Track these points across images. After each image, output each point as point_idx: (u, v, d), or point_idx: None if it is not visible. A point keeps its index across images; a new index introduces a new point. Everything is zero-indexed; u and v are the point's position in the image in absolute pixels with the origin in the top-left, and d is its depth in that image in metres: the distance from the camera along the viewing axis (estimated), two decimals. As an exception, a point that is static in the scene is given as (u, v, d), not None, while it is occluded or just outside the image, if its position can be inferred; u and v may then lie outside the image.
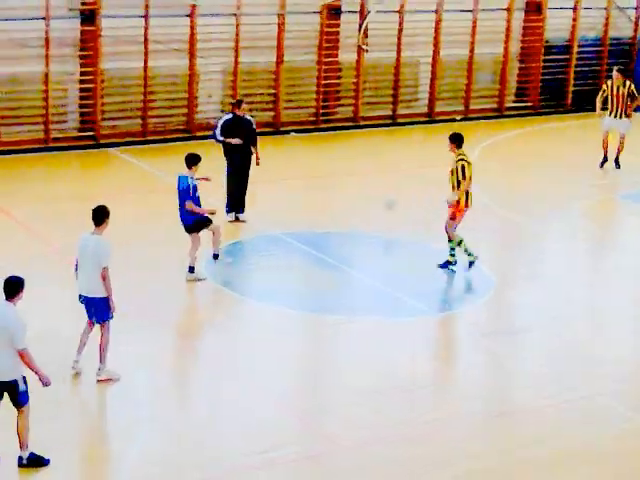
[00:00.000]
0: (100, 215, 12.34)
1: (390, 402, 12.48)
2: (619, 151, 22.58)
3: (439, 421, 12.14)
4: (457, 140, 16.18)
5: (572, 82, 27.94)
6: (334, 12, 24.88)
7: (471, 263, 16.53)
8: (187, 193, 15.45)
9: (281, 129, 24.42)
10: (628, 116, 22.57)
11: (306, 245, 17.28)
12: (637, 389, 13.34)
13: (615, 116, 22.61)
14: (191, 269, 15.61)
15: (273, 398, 12.43)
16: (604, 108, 22.86)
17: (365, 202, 19.66)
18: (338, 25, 25.00)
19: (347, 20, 24.98)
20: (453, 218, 16.30)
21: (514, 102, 27.61)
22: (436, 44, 25.89)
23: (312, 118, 24.98)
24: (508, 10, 26.69)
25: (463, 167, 16.04)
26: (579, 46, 27.93)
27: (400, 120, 25.82)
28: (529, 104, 27.61)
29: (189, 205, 15.47)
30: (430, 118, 26.21)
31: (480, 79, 26.87)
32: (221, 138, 17.99)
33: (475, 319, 15.19)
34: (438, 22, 25.76)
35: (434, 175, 21.40)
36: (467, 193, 16.16)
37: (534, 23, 27.39)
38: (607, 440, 11.95)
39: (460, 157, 16.14)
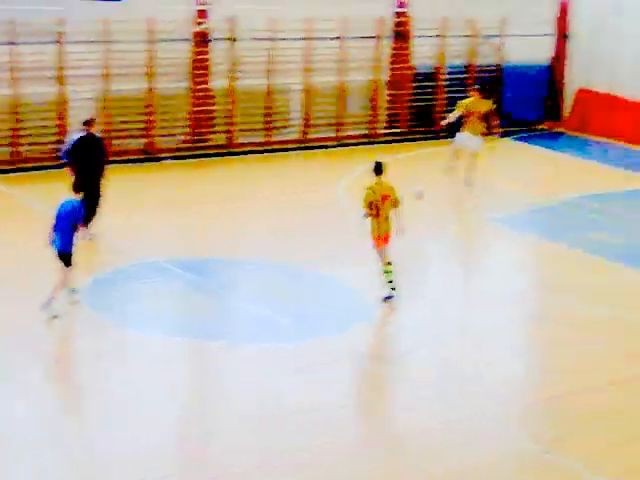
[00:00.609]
0: None
1: (276, 428, 12.40)
2: (471, 171, 23.02)
3: (326, 446, 12.10)
4: (374, 169, 16.19)
5: (440, 108, 28.45)
6: (204, 40, 24.84)
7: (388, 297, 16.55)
8: (76, 218, 15.06)
9: (155, 156, 24.23)
10: (493, 133, 23.05)
11: (186, 271, 17.13)
12: (517, 409, 13.54)
13: (470, 134, 23.16)
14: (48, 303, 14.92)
15: (158, 426, 12.23)
16: (459, 125, 23.31)
17: (242, 227, 19.64)
18: (208, 52, 24.96)
19: (217, 47, 24.97)
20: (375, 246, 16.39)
21: (385, 128, 27.98)
22: (307, 71, 26.08)
23: (186, 145, 24.87)
24: (377, 38, 27.07)
25: (366, 194, 16.12)
26: (446, 73, 28.48)
27: (274, 146, 25.91)
28: (399, 130, 28.01)
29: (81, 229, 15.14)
30: (304, 144, 26.36)
31: (352, 106, 27.16)
32: (69, 159, 17.89)
33: (358, 342, 15.24)
34: (309, 49, 25.95)
35: (311, 200, 21.63)
36: (377, 223, 16.13)
37: (402, 51, 27.83)
38: (488, 461, 12.08)
39: (369, 185, 16.23)
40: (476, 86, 23.86)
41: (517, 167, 26.03)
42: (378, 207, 16.13)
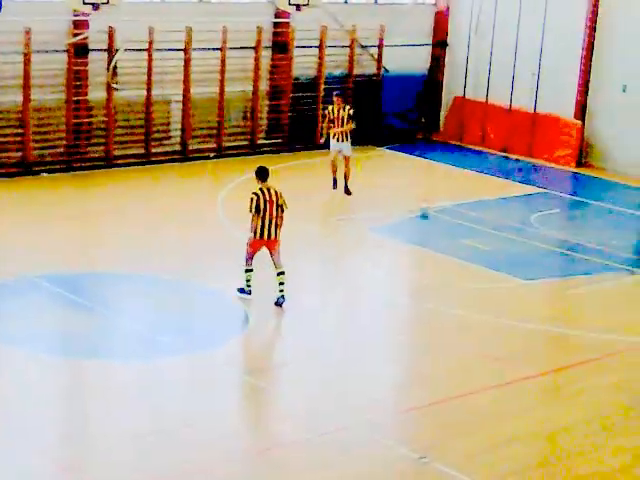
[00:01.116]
0: None
1: (156, 446, 12.36)
2: (347, 177, 23.63)
3: (205, 462, 12.12)
4: (258, 174, 16.69)
5: (320, 119, 28.65)
6: (82, 50, 24.61)
7: (242, 290, 16.92)
8: None
9: (31, 169, 23.91)
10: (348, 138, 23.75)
11: (60, 287, 16.91)
12: (393, 417, 13.74)
13: (338, 140, 23.66)
14: None
15: (33, 447, 12.09)
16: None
17: (120, 242, 19.52)
18: (86, 63, 24.73)
19: (96, 58, 24.77)
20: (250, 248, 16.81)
21: (265, 139, 28.07)
22: (186, 82, 26.04)
23: (63, 158, 24.58)
24: (256, 49, 27.16)
25: (251, 199, 16.49)
26: (326, 83, 28.72)
27: (154, 158, 25.78)
28: (280, 141, 28.14)
29: None
30: (184, 156, 26.30)
31: (232, 116, 27.18)
32: None
33: (236, 355, 15.30)
34: (188, 60, 25.92)
35: (191, 212, 21.61)
36: (261, 226, 16.52)
37: (282, 61, 27.99)
38: (366, 470, 12.21)
39: (255, 190, 16.64)
40: (336, 92, 24.36)
41: (395, 176, 26.37)
42: (264, 211, 16.42)
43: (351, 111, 23.77)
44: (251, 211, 16.46)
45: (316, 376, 14.70)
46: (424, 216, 21.52)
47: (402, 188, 25.07)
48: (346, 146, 23.73)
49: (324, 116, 24.20)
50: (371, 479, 12.04)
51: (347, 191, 23.64)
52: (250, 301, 16.91)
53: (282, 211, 16.72)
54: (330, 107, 23.94)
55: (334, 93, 24.29)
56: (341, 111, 23.67)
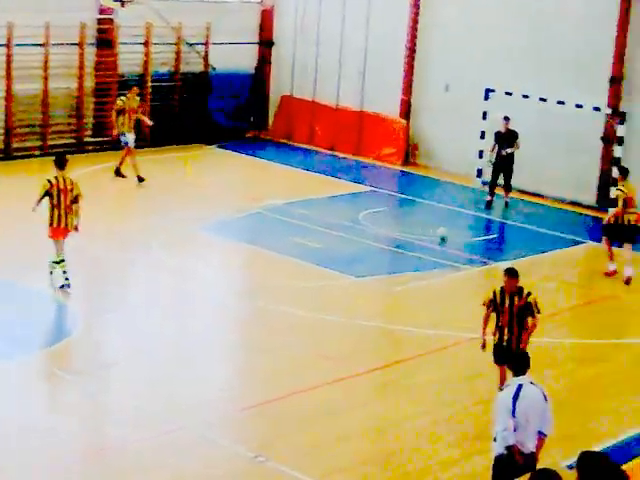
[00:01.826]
0: None
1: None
2: (122, 164, 24.50)
3: (35, 466, 11.86)
4: (55, 162, 17.08)
5: (147, 116, 28.34)
6: None
7: (63, 286, 16.80)
8: None
9: None
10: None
11: None
12: (227, 417, 13.72)
13: (131, 132, 24.52)
14: None
15: None
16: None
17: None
18: None
19: None
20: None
21: (92, 137, 27.59)
22: (9, 79, 25.35)
23: None
24: (80, 45, 26.67)
25: (43, 186, 16.94)
26: (153, 80, 28.43)
27: (-25, 157, 25.07)
28: (107, 139, 27.68)
29: None
30: (7, 154, 25.61)
31: (57, 114, 26.60)
32: None
33: (64, 357, 15.02)
34: (10, 56, 25.25)
35: (16, 212, 21.04)
36: (58, 215, 16.84)
37: (107, 58, 27.56)
38: (202, 471, 12.18)
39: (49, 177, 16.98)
40: (134, 86, 25.09)
41: (224, 175, 26.36)
42: (59, 199, 16.66)
43: (139, 102, 24.85)
44: (40, 196, 16.71)
45: (147, 377, 14.56)
46: (443, 240, 21.45)
47: (232, 187, 25.08)
48: (132, 137, 24.59)
49: (117, 106, 24.73)
50: (207, 479, 12.02)
51: (118, 173, 24.61)
52: (76, 301, 16.62)
53: (76, 201, 16.97)
54: (123, 98, 24.66)
55: (131, 87, 25.07)
56: (132, 102, 24.57)
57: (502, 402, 10.84)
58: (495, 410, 10.97)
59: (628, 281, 19.83)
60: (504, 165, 24.56)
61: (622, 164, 22.98)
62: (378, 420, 13.82)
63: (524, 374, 10.92)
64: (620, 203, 19.80)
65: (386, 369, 15.51)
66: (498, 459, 10.86)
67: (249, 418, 13.70)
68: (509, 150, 24.27)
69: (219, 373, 15.15)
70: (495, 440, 10.85)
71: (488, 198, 24.81)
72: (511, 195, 24.91)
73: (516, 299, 13.69)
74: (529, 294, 13.70)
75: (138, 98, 24.89)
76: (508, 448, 10.63)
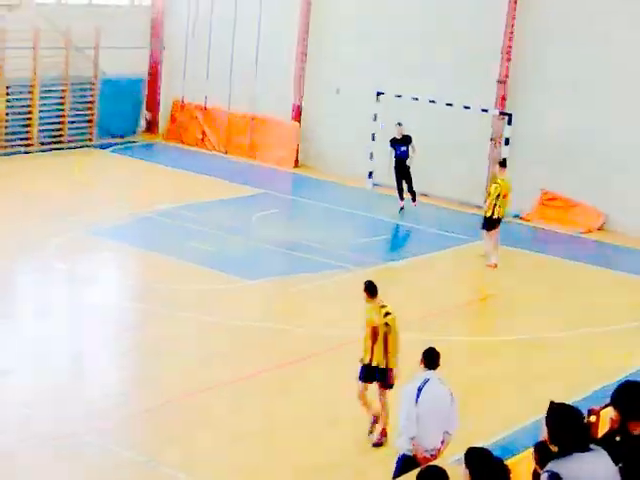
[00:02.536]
0: None
1: None
2: None
3: None
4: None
5: (36, 122, 28.01)
6: None
7: None
8: None
9: None
10: None
11: None
12: (119, 422, 13.63)
13: None
14: None
15: None
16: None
17: None
18: None
19: None
20: None
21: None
22: None
23: None
24: (-37, 49, 26.25)
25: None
26: (41, 86, 28.06)
27: None
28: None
29: None
30: None
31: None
32: None
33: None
34: None
35: None
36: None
37: (-6, 63, 27.16)
38: (93, 477, 12.13)
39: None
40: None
41: (114, 179, 26.16)
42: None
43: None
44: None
45: (36, 384, 14.39)
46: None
47: (123, 190, 24.89)
48: None
49: None
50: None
51: None
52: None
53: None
54: None
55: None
56: None
57: (406, 393, 11.01)
58: (400, 403, 11.10)
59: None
60: (402, 170, 24.74)
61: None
62: (271, 420, 13.89)
63: (434, 369, 11.08)
64: (494, 195, 20.69)
65: (279, 369, 15.58)
66: (403, 458, 10.98)
67: (139, 423, 13.64)
68: (410, 157, 24.51)
69: (110, 379, 15.05)
70: (400, 435, 11.00)
71: (400, 204, 24.95)
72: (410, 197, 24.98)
73: (376, 318, 13.24)
74: (387, 314, 13.19)
75: None
76: (412, 451, 10.77)
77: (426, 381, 10.95)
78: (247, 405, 14.26)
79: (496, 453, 7.55)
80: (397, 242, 23.67)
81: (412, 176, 24.69)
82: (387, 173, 25.25)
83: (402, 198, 24.92)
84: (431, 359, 11.15)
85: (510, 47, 25.63)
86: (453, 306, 18.98)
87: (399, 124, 24.79)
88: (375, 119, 26.81)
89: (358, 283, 19.75)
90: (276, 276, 19.84)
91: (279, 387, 15.10)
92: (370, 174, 27.03)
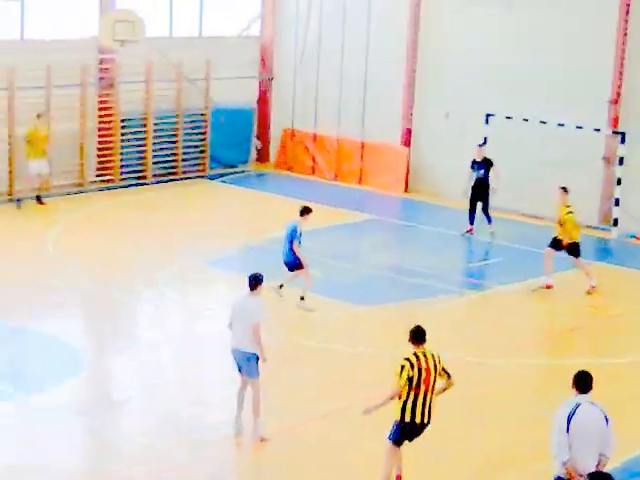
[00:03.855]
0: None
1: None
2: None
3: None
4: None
5: (150, 154, 28.54)
6: None
7: None
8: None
9: None
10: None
11: None
12: (238, 454, 13.69)
13: (38, 158, 24.84)
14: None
15: None
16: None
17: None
18: None
19: None
20: None
21: (96, 177, 27.74)
22: (11, 121, 25.55)
23: None
24: (81, 85, 26.88)
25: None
26: (155, 119, 28.61)
27: (-21, 201, 25.18)
28: (110, 178, 27.88)
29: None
30: (10, 196, 25.73)
31: (59, 155, 26.71)
32: None
33: (71, 396, 15.06)
34: (11, 99, 25.46)
35: (20, 253, 21.22)
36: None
37: (109, 97, 27.76)
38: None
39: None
40: (38, 114, 25.00)
41: (226, 209, 26.49)
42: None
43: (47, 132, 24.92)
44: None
45: (155, 414, 14.60)
46: None
47: (235, 220, 25.18)
48: (45, 165, 24.97)
49: (28, 140, 24.82)
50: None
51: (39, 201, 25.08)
52: (86, 341, 16.72)
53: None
54: (31, 129, 24.74)
55: (36, 115, 24.95)
56: (42, 131, 24.81)
57: (557, 420, 10.93)
58: (552, 428, 10.98)
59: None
60: (479, 193, 24.43)
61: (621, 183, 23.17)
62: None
63: (586, 393, 10.98)
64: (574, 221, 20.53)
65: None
66: None
67: (259, 453, 13.71)
68: (492, 181, 24.27)
69: (228, 408, 15.17)
70: (554, 459, 10.92)
71: (468, 228, 24.64)
72: (493, 221, 24.58)
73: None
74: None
75: (47, 127, 25.14)
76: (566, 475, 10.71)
77: (577, 406, 10.86)
78: (365, 432, 14.21)
79: (621, 476, 7.41)
80: (511, 265, 23.36)
81: (489, 200, 24.32)
82: (494, 195, 24.94)
83: (472, 222, 24.55)
84: (582, 383, 11.05)
85: (622, 65, 25.25)
86: (567, 329, 18.72)
87: (480, 145, 24.67)
88: (485, 142, 26.62)
89: (473, 307, 19.88)
90: (389, 302, 19.82)
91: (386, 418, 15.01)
92: (481, 198, 26.80)
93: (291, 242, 19.07)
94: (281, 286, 19.39)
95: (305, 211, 19.25)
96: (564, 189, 20.91)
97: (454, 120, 28.07)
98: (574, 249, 20.61)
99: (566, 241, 20.56)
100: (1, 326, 17.34)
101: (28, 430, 13.98)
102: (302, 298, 19.07)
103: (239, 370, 14.04)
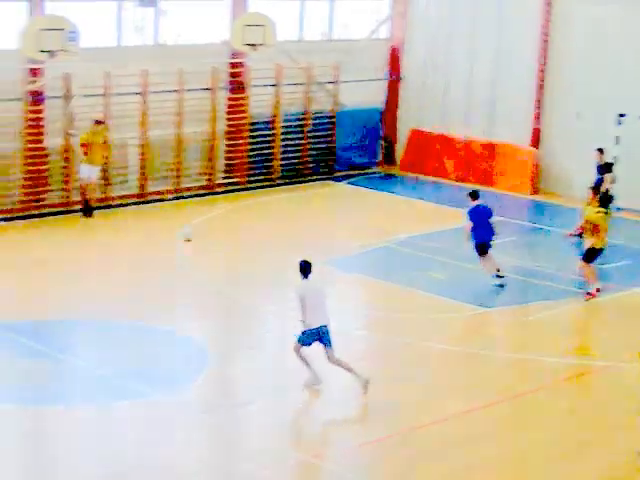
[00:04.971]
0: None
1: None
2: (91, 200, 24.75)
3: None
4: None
5: (279, 156, 28.87)
6: (38, 98, 24.71)
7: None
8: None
9: (-12, 217, 23.95)
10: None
11: (20, 334, 16.93)
12: (358, 453, 13.74)
13: (89, 164, 24.56)
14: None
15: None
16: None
17: (80, 287, 19.59)
18: (42, 110, 24.81)
19: (52, 105, 24.85)
20: None
21: (224, 179, 28.20)
22: (144, 125, 26.17)
23: (19, 205, 24.58)
24: (212, 89, 27.36)
25: None
26: (283, 121, 28.91)
27: (112, 202, 25.80)
28: (238, 180, 28.29)
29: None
30: (142, 198, 26.37)
31: (189, 157, 27.28)
32: None
33: (199, 395, 15.34)
34: (144, 103, 26.07)
35: (150, 254, 21.66)
36: None
37: (239, 101, 28.18)
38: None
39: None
40: (96, 120, 24.77)
41: (352, 210, 26.57)
42: None
43: (107, 138, 24.79)
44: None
45: (279, 413, 14.77)
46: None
47: (361, 221, 25.24)
48: (95, 171, 24.70)
49: (82, 144, 24.66)
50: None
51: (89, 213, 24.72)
52: (215, 341, 17.02)
53: None
54: (85, 134, 24.55)
55: (94, 120, 24.77)
56: (98, 137, 24.56)
57: None
58: None
59: None
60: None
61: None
62: (509, 449, 13.75)
63: None
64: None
65: (517, 398, 15.40)
66: None
67: (379, 450, 13.77)
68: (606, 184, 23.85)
69: (350, 407, 15.27)
70: None
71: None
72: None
73: None
74: None
75: (104, 132, 24.95)
76: None
77: None
78: (481, 437, 14.14)
79: None
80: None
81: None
82: (630, 196, 24.46)
83: None
84: None
85: None
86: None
87: (599, 150, 24.32)
88: (617, 142, 26.14)
89: (598, 311, 19.53)
90: (513, 304, 19.65)
91: (516, 417, 14.91)
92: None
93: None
94: (498, 270, 20.48)
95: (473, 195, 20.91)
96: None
97: (584, 120, 27.62)
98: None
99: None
100: (135, 326, 17.74)
101: (156, 427, 14.28)
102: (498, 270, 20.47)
103: (309, 345, 15.27)
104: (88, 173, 24.52)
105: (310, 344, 15.36)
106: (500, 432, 14.39)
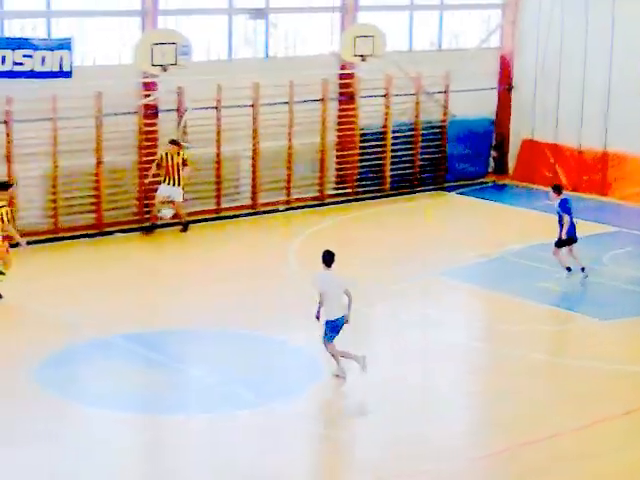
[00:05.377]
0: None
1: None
2: (181, 217, 24.56)
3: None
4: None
5: (389, 167, 28.81)
6: (152, 111, 25.10)
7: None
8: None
9: (104, 230, 24.31)
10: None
11: (139, 345, 17.19)
12: (471, 467, 13.62)
13: (169, 184, 24.23)
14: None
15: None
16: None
17: (195, 297, 19.80)
18: (156, 124, 25.19)
19: (165, 118, 25.22)
20: None
21: (334, 190, 28.26)
22: (255, 137, 26.38)
23: (136, 217, 24.98)
24: (322, 101, 27.45)
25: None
26: (393, 132, 28.87)
27: (224, 214, 26.08)
28: (348, 191, 28.31)
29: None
30: (254, 210, 26.57)
31: (300, 169, 27.41)
32: None
33: (311, 406, 15.35)
34: (256, 115, 26.28)
35: (262, 265, 21.79)
36: None
37: (348, 112, 28.22)
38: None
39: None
40: (170, 140, 24.51)
41: (464, 221, 26.35)
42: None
43: (185, 156, 24.36)
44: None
45: (391, 425, 14.68)
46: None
47: (473, 232, 25.04)
48: (177, 192, 24.29)
49: (157, 164, 24.41)
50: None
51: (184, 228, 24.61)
52: (322, 351, 17.00)
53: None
54: (162, 154, 24.29)
55: (168, 140, 24.52)
56: (175, 157, 24.15)
57: None
58: None
59: None
60: None
61: None
62: (622, 468, 13.42)
63: None
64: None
65: (630, 414, 15.07)
66: None
67: (495, 464, 13.59)
68: None
69: (464, 419, 15.11)
70: None
71: None
72: None
73: None
74: None
75: (180, 151, 24.32)
76: None
77: None
78: (604, 449, 13.85)
79: None
80: None
81: None
82: None
83: None
84: None
85: None
86: None
87: None
88: None
89: None
90: (630, 316, 19.25)
91: (629, 433, 14.56)
92: None
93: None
94: (583, 269, 20.98)
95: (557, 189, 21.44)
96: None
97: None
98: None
99: None
100: (247, 336, 17.86)
101: (267, 437, 14.32)
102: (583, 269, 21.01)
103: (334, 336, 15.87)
104: (167, 193, 24.36)
105: (335, 337, 15.95)
106: (613, 448, 14.06)
